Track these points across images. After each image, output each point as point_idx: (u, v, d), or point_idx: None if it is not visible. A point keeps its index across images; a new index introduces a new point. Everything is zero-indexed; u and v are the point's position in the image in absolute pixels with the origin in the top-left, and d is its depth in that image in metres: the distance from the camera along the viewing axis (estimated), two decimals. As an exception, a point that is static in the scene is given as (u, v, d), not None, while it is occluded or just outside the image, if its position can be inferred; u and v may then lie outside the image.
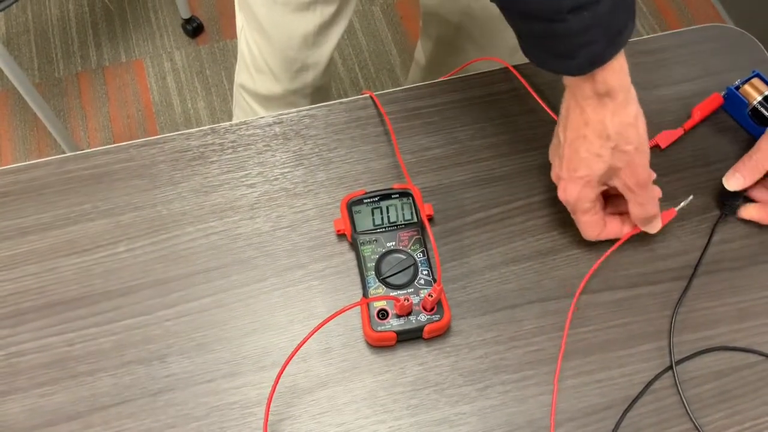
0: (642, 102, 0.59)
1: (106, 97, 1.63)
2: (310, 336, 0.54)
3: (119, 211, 0.63)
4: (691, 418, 0.55)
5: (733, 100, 0.67)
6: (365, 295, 0.57)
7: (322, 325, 0.52)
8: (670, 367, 0.57)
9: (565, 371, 0.57)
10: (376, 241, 0.59)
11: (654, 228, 0.60)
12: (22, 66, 1.64)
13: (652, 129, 0.68)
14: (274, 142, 0.67)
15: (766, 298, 0.60)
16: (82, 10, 1.75)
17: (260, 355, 0.57)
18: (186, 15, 1.69)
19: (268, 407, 0.53)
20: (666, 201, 0.64)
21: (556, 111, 0.58)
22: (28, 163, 0.65)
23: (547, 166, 0.62)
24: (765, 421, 0.56)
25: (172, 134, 0.67)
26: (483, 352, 0.58)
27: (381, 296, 0.57)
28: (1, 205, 0.63)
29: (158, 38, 1.72)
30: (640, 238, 0.62)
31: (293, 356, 0.52)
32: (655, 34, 0.74)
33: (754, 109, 0.66)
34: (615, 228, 0.60)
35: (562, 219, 0.63)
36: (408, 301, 0.55)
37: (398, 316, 0.56)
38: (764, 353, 0.58)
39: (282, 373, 0.52)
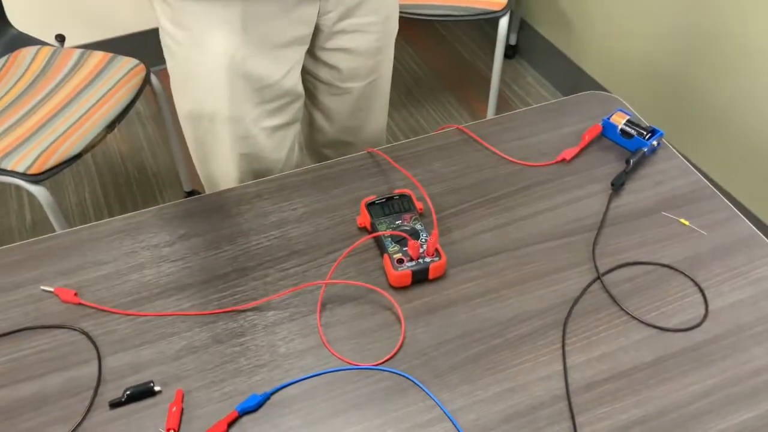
0: (552, 137, 0.93)
1: (123, 258, 1.89)
2: (340, 260, 0.79)
3: (235, 225, 0.90)
4: (616, 303, 0.81)
5: (608, 126, 1.01)
6: (387, 252, 0.84)
7: (347, 253, 0.78)
8: (598, 277, 0.84)
9: (529, 288, 0.83)
10: (388, 222, 0.87)
11: None
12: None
13: (559, 151, 1.01)
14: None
15: (654, 234, 0.89)
16: (96, 195, 2.08)
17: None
18: (188, 188, 2.03)
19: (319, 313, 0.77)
20: (578, 189, 0.95)
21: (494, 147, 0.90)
22: (176, 201, 0.92)
23: (493, 178, 0.93)
24: (668, 302, 0.82)
25: (275, 176, 0.96)
26: (471, 283, 0.84)
27: (396, 231, 0.83)
28: (163, 226, 0.89)
29: (164, 209, 2.03)
30: (557, 208, 0.92)
31: (333, 272, 0.77)
32: (557, 99, 1.09)
33: (622, 130, 1.00)
34: None
35: (507, 205, 0.93)
36: (417, 244, 0.82)
37: (411, 260, 0.82)
38: (659, 263, 0.86)
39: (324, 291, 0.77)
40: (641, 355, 0.77)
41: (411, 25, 2.62)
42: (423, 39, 2.59)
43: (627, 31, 1.96)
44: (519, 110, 1.08)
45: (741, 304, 0.82)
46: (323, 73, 1.10)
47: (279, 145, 1.08)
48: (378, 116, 1.21)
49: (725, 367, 0.76)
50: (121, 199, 2.06)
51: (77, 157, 1.48)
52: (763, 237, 0.89)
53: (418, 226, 0.87)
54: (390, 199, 0.91)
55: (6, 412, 0.72)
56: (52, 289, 0.83)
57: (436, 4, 1.96)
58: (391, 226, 0.87)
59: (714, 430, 0.71)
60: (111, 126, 1.55)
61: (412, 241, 0.82)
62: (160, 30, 0.99)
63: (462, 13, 1.94)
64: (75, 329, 0.80)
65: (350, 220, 0.92)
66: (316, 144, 1.25)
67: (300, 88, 1.05)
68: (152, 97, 2.30)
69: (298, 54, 1.02)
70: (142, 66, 1.67)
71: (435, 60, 2.50)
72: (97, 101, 1.57)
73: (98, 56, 1.68)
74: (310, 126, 1.22)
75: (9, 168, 1.40)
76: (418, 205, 0.90)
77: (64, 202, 2.05)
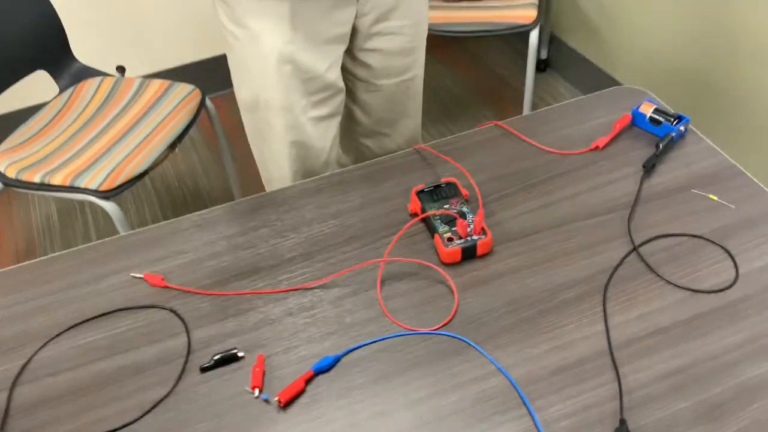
0: (584, 129, 1.01)
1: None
2: (397, 238, 0.88)
3: (298, 216, 1.00)
4: (653, 270, 0.88)
5: (638, 116, 1.09)
6: (437, 233, 0.92)
7: (402, 232, 0.87)
8: (634, 248, 0.91)
9: (571, 260, 0.91)
10: (437, 206, 0.96)
11: None
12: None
13: (593, 140, 1.09)
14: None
15: (685, 209, 0.96)
16: (155, 214, 2.21)
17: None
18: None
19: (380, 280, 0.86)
20: (612, 172, 1.03)
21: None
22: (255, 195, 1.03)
23: (532, 167, 1.01)
24: (700, 268, 0.89)
25: (333, 173, 1.06)
26: (516, 258, 0.92)
27: (446, 210, 0.92)
28: (234, 220, 1.00)
29: (218, 226, 2.15)
30: (594, 190, 1.00)
31: (389, 251, 0.86)
32: (590, 94, 1.18)
33: (651, 117, 1.07)
34: None
35: (547, 189, 1.01)
36: (465, 223, 0.90)
37: (460, 238, 0.91)
38: (692, 234, 0.93)
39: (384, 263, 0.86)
40: (677, 314, 0.84)
41: (444, 44, 2.74)
42: (456, 57, 2.70)
43: (653, 36, 2.04)
44: (552, 106, 1.17)
45: (769, 267, 0.88)
46: (360, 71, 1.24)
47: (324, 134, 1.22)
48: (412, 112, 1.35)
49: (756, 322, 0.82)
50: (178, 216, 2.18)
51: (144, 174, 1.60)
52: (789, 208, 0.96)
53: (465, 209, 0.96)
54: (438, 186, 0.99)
55: (112, 379, 0.82)
56: (141, 276, 0.93)
57: (467, 21, 2.07)
58: (440, 210, 0.96)
59: (747, 375, 0.77)
60: (172, 146, 1.68)
61: (461, 220, 0.91)
62: (221, 28, 1.14)
63: (493, 28, 2.04)
64: (165, 308, 0.90)
65: (402, 207, 1.01)
66: (354, 135, 1.37)
67: (341, 83, 1.19)
68: (206, 122, 2.44)
69: (339, 51, 1.15)
70: (197, 91, 1.80)
71: (469, 77, 2.60)
72: (159, 124, 1.70)
73: (157, 84, 1.82)
74: (349, 119, 1.35)
75: (82, 186, 1.53)
76: (464, 191, 0.99)
77: (128, 220, 2.18)
